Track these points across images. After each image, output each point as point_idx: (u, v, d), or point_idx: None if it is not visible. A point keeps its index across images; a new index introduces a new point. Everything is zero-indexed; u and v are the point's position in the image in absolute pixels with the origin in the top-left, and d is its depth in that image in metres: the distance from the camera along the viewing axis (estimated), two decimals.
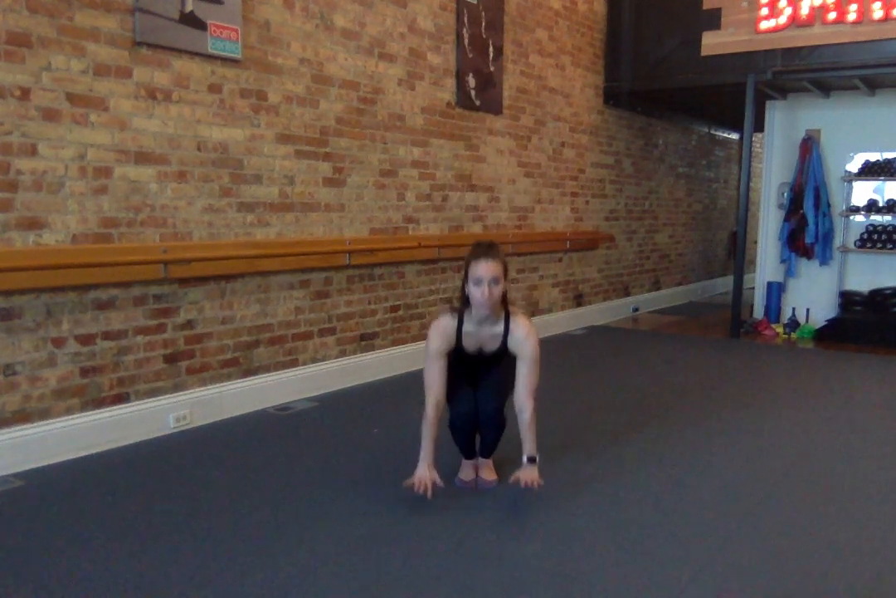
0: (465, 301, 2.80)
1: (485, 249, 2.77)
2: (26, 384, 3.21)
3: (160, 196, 3.62)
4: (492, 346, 2.88)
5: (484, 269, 2.71)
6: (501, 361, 2.93)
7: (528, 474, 2.82)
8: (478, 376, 2.97)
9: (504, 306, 2.85)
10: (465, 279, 2.77)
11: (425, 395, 2.85)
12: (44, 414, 3.28)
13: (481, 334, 2.86)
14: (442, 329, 2.84)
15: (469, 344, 2.88)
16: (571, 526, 2.72)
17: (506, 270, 2.78)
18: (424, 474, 2.80)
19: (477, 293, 2.71)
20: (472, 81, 5.52)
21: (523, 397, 2.83)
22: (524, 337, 2.82)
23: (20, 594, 2.21)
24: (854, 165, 6.89)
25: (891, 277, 6.72)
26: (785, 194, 7.14)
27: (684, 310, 8.63)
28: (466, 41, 5.43)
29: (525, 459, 2.85)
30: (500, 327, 2.84)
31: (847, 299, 6.87)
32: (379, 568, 2.39)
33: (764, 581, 2.35)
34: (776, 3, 6.15)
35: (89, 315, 3.39)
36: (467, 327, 2.84)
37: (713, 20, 6.47)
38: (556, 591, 2.27)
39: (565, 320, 6.92)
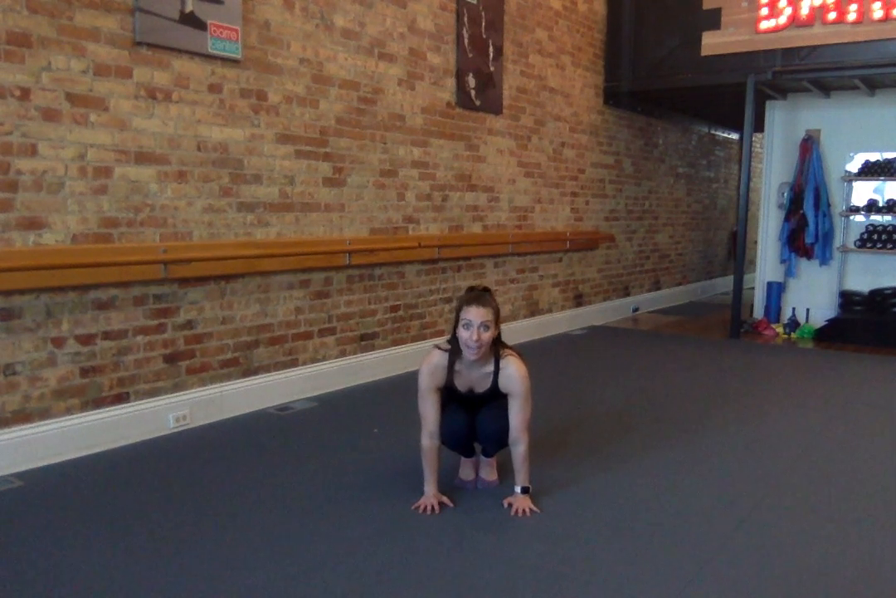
0: (456, 343, 2.81)
1: (477, 295, 2.80)
2: (26, 384, 3.21)
3: (160, 196, 3.62)
4: (483, 386, 2.88)
5: (475, 314, 2.73)
6: (497, 399, 2.91)
7: (520, 502, 2.83)
8: (475, 409, 2.96)
9: (494, 349, 2.85)
10: (456, 322, 2.79)
11: (422, 426, 2.87)
12: (44, 414, 3.28)
13: (472, 375, 2.87)
14: (433, 367, 2.84)
15: (460, 384, 2.88)
16: (570, 527, 2.72)
17: (497, 317, 2.80)
18: (431, 497, 2.83)
19: (465, 336, 2.73)
20: (472, 81, 5.52)
21: (518, 431, 2.84)
22: (514, 373, 2.82)
23: (20, 594, 2.21)
24: (854, 165, 6.89)
25: (891, 278, 6.73)
26: (785, 194, 7.15)
27: (684, 310, 8.63)
28: (466, 41, 5.43)
29: (518, 489, 2.86)
30: (490, 367, 2.85)
31: (847, 299, 6.87)
32: (379, 568, 2.39)
33: (763, 581, 2.35)
34: (776, 2, 6.15)
35: (89, 315, 3.39)
36: (458, 366, 2.85)
37: (713, 20, 6.47)
38: (555, 591, 2.27)
39: (565, 320, 6.92)
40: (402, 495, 2.92)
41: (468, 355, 2.77)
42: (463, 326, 2.75)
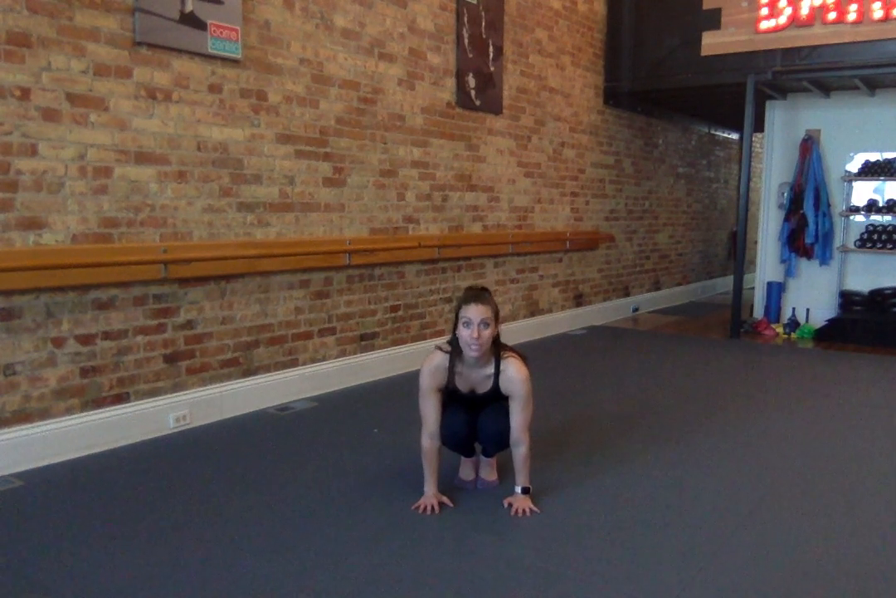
0: (456, 344, 2.81)
1: (476, 293, 2.81)
2: (26, 384, 3.21)
3: (160, 196, 3.62)
4: (484, 387, 2.88)
5: (474, 311, 2.72)
6: (498, 401, 2.91)
7: (520, 503, 2.82)
8: (476, 410, 2.96)
9: (495, 350, 2.85)
10: (456, 322, 2.78)
11: (422, 426, 2.88)
12: (44, 414, 3.28)
13: (473, 377, 2.86)
14: (434, 368, 2.84)
15: (461, 385, 2.88)
16: (570, 527, 2.72)
17: (497, 316, 2.80)
18: (431, 497, 2.83)
19: (465, 334, 2.72)
20: (472, 81, 5.52)
21: (518, 433, 2.84)
22: (515, 375, 2.81)
23: (20, 595, 2.21)
24: (854, 165, 6.89)
25: (891, 278, 6.73)
26: (785, 194, 7.15)
27: (684, 310, 8.63)
28: (466, 41, 5.43)
29: (519, 489, 2.86)
30: (490, 369, 2.84)
31: (847, 299, 6.87)
32: (378, 568, 2.39)
33: (763, 582, 2.35)
34: (776, 3, 6.15)
35: (89, 315, 3.39)
36: (458, 367, 2.84)
37: (713, 20, 6.47)
38: (555, 591, 2.27)
39: (565, 320, 6.92)
40: (402, 495, 2.92)
41: (469, 353, 2.77)
42: (463, 324, 2.74)
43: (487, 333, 2.74)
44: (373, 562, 2.42)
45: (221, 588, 2.25)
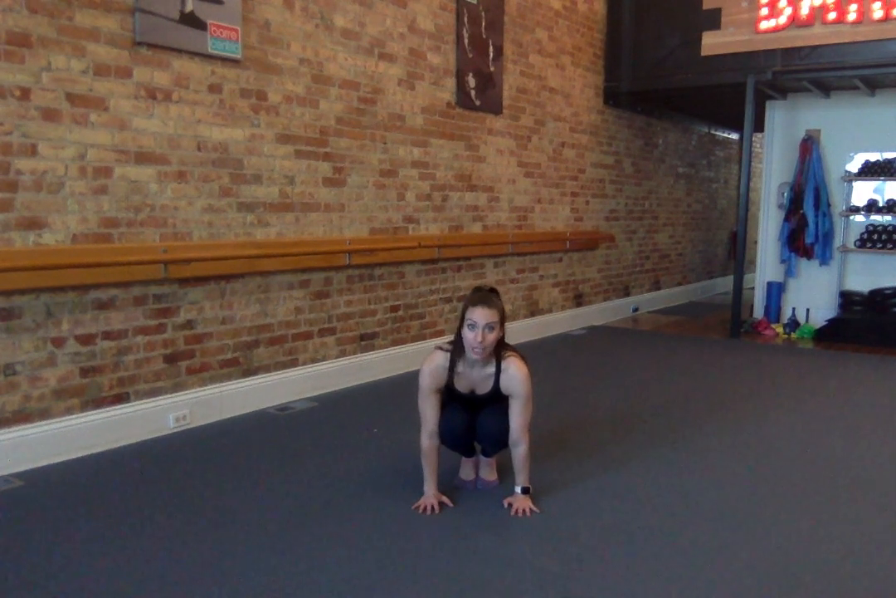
0: (459, 344, 2.80)
1: (484, 295, 2.79)
2: (26, 384, 3.21)
3: (160, 196, 3.62)
4: (484, 387, 2.87)
5: (480, 314, 2.71)
6: (497, 401, 2.90)
7: (520, 503, 2.82)
8: (476, 410, 2.95)
9: (497, 350, 2.83)
10: (461, 322, 2.78)
11: (421, 426, 2.88)
12: (44, 414, 3.28)
13: (473, 376, 2.85)
14: (434, 367, 2.84)
15: (461, 385, 2.88)
16: (570, 527, 2.72)
17: (503, 318, 2.79)
18: (430, 497, 2.84)
19: (470, 337, 2.72)
20: (472, 81, 5.52)
21: (518, 433, 2.83)
22: (516, 374, 2.80)
23: (20, 595, 2.21)
24: (854, 165, 6.89)
25: (891, 278, 6.73)
26: (785, 194, 7.15)
27: (684, 310, 8.63)
28: (466, 41, 5.43)
29: (518, 489, 2.86)
30: (491, 368, 2.83)
31: (847, 299, 6.87)
32: (378, 568, 2.39)
33: (763, 583, 2.35)
34: (776, 3, 6.15)
35: (89, 315, 3.39)
36: (459, 367, 2.83)
37: (713, 20, 6.47)
38: (554, 591, 2.27)
39: (565, 320, 6.92)
40: (402, 495, 2.92)
41: (472, 355, 2.76)
42: (468, 326, 2.73)
43: (492, 336, 2.73)
44: (373, 562, 2.42)
45: (222, 588, 2.25)
